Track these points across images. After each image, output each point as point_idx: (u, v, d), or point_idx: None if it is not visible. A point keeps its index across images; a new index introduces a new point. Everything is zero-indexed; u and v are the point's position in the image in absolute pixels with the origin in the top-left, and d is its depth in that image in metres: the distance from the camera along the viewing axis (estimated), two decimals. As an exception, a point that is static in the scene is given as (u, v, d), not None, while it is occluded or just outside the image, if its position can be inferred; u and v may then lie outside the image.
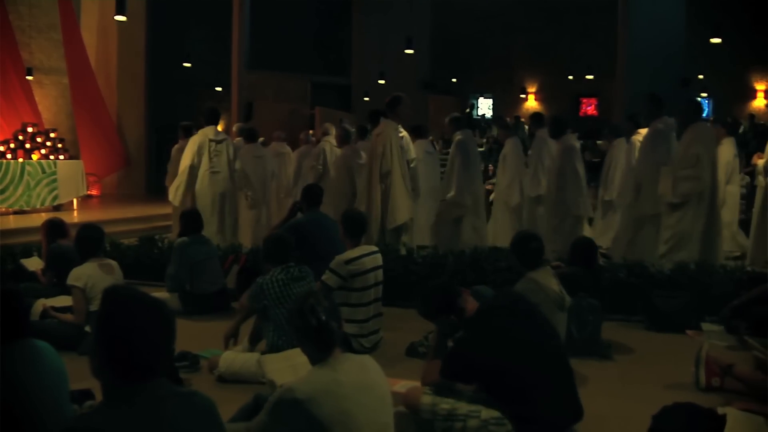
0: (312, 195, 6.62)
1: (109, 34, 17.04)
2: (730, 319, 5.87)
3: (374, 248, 5.63)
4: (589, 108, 23.20)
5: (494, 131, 20.39)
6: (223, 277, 7.03)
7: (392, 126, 7.61)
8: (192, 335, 5.92)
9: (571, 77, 22.68)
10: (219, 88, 20.07)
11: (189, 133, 9.76)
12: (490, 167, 14.88)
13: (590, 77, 22.11)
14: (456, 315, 3.71)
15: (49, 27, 15.89)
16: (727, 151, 9.65)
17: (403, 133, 9.10)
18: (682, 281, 6.33)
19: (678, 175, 6.98)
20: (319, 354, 2.87)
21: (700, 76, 20.49)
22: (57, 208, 13.25)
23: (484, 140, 18.76)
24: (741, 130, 19.71)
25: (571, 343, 5.18)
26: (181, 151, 9.52)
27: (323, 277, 5.30)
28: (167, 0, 18.77)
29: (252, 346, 5.03)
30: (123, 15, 11.76)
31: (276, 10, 21.02)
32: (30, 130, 14.37)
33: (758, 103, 21.52)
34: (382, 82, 20.19)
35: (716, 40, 14.50)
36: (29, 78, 14.96)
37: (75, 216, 13.06)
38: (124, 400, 2.04)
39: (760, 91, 21.57)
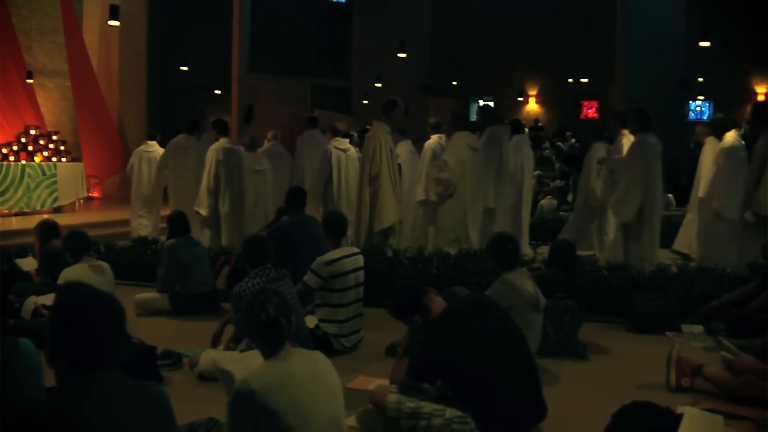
0: (296, 197, 6.73)
1: (110, 37, 17.21)
2: (708, 318, 5.95)
3: (355, 249, 5.73)
4: (590, 111, 23.22)
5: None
6: (212, 278, 7.13)
7: (383, 129, 7.60)
8: (180, 335, 6.07)
9: (571, 80, 22.70)
10: (218, 91, 20.18)
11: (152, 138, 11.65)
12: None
13: (591, 80, 22.14)
14: (420, 314, 3.80)
15: (52, 30, 16.05)
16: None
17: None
18: (664, 283, 6.40)
19: (433, 178, 7.98)
20: (270, 349, 2.98)
21: (700, 79, 20.50)
22: (57, 209, 13.38)
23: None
24: (742, 132, 19.73)
25: (547, 343, 5.28)
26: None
27: (305, 278, 5.41)
28: (168, 3, 18.93)
29: (234, 345, 5.12)
30: (116, 20, 11.90)
31: (276, 13, 21.15)
32: (32, 132, 14.56)
33: (759, 105, 21.49)
34: (378, 85, 20.27)
35: (705, 44, 14.54)
36: (30, 81, 15.09)
37: (76, 218, 13.23)
38: (75, 389, 2.14)
39: (761, 93, 21.55)
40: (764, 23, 19.00)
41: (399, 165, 8.20)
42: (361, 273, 5.61)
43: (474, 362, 3.55)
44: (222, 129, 9.23)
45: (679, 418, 3.55)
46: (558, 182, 15.44)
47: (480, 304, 3.81)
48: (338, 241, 5.58)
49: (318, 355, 3.13)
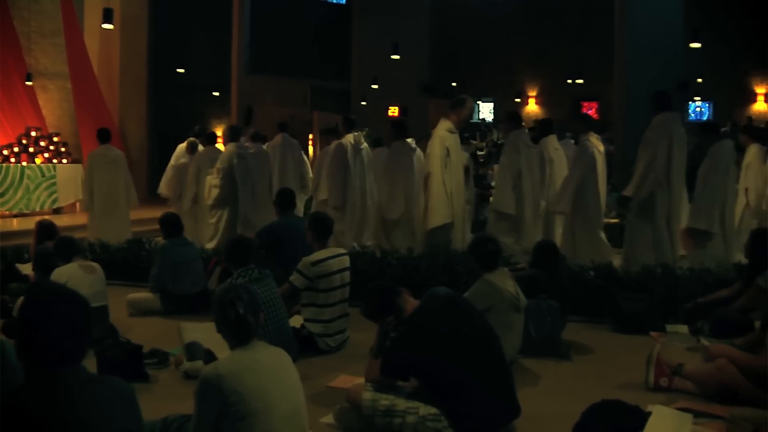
0: (285, 198, 6.82)
1: (111, 39, 17.28)
2: (692, 313, 6.01)
3: (342, 250, 5.80)
4: (590, 111, 23.22)
5: (494, 135, 20.52)
6: (204, 278, 7.20)
7: (444, 126, 7.48)
8: (171, 335, 6.09)
9: (570, 81, 22.72)
10: (216, 93, 20.26)
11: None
12: (489, 170, 15.03)
13: (591, 81, 22.17)
14: (395, 315, 3.88)
15: (54, 32, 16.13)
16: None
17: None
18: (649, 283, 6.45)
19: (212, 184, 9.26)
20: (237, 343, 3.12)
21: (699, 80, 20.49)
22: (56, 211, 13.49)
23: (484, 144, 18.87)
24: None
25: (529, 343, 5.35)
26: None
27: (291, 278, 5.48)
28: (168, 5, 19.02)
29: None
30: (110, 23, 12.04)
31: (276, 15, 21.24)
32: (33, 134, 14.67)
33: (758, 106, 21.46)
34: (375, 87, 20.36)
35: (696, 45, 14.56)
36: (29, 83, 15.16)
37: (76, 219, 13.33)
38: (41, 383, 2.22)
39: (761, 94, 21.52)
40: (764, 24, 19.00)
41: (467, 167, 8.15)
42: (347, 273, 5.68)
43: (446, 361, 3.63)
44: (102, 136, 10.32)
45: (647, 416, 3.62)
46: None
47: (453, 303, 3.88)
48: (324, 242, 5.65)
49: (282, 352, 3.25)
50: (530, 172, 8.44)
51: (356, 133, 9.58)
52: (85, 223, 11.88)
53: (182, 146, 11.57)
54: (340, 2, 23.66)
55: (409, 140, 10.44)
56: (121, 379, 2.46)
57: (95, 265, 6.08)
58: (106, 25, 12.16)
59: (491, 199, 9.33)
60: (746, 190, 8.97)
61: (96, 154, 10.33)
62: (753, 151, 9.20)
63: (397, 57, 17.01)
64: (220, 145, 11.63)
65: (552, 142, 9.28)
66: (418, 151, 10.52)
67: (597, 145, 8.97)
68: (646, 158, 7.30)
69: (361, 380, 4.59)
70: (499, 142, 20.45)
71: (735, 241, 7.85)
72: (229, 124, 19.34)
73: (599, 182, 8.66)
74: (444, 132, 7.42)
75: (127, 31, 17.21)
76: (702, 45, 14.97)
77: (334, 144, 9.71)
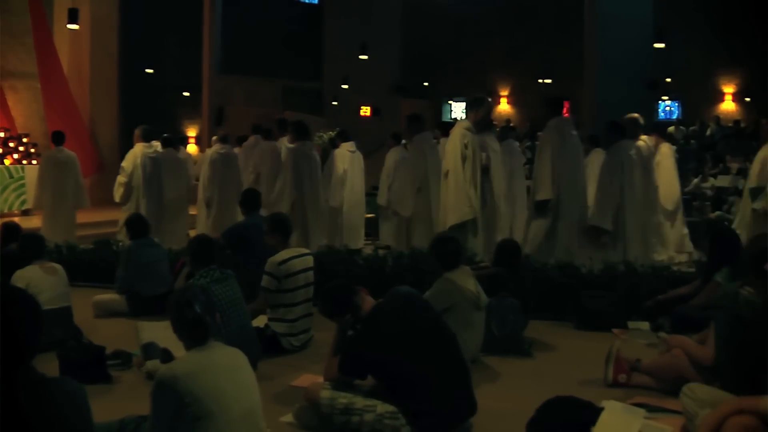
0: (251, 199, 6.83)
1: (81, 39, 17.10)
2: (653, 311, 6.11)
3: (305, 250, 5.83)
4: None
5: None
6: (171, 279, 7.19)
7: (462, 125, 7.57)
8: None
9: (542, 80, 22.90)
10: (187, 93, 20.18)
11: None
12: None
13: (562, 80, 22.37)
14: (352, 313, 3.92)
15: (23, 32, 15.96)
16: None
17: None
18: (612, 281, 6.54)
19: (118, 182, 10.00)
20: (193, 343, 3.15)
21: (668, 79, 20.77)
22: (25, 212, 13.35)
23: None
24: (708, 132, 20.06)
25: (491, 341, 5.41)
26: None
27: (262, 284, 5.48)
28: (139, 5, 18.92)
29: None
30: (75, 23, 11.99)
31: (248, 15, 21.22)
32: (2, 134, 14.52)
33: (726, 105, 21.81)
34: (345, 86, 20.39)
35: (660, 45, 14.77)
36: (-3, 84, 15.03)
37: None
38: None
39: (728, 93, 21.86)
40: (732, 25, 19.29)
41: (487, 166, 8.17)
42: (311, 273, 5.70)
43: (402, 359, 3.67)
44: (56, 139, 10.61)
45: (599, 411, 3.68)
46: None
47: (409, 302, 3.92)
48: (286, 241, 5.68)
49: (238, 352, 3.28)
50: (436, 176, 8.44)
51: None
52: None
53: None
54: (312, 2, 23.66)
55: (348, 143, 10.60)
56: (72, 380, 2.47)
57: (57, 266, 6.03)
58: (71, 26, 12.10)
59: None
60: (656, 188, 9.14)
61: (48, 156, 10.67)
62: (663, 151, 9.66)
63: (365, 57, 17.07)
64: (191, 147, 11.69)
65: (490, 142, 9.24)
66: (358, 153, 10.68)
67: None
68: (550, 159, 7.56)
69: (322, 379, 4.65)
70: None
71: (637, 240, 7.90)
72: (200, 124, 19.35)
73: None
74: (462, 130, 7.50)
75: (97, 31, 17.04)
76: (671, 45, 15.20)
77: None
